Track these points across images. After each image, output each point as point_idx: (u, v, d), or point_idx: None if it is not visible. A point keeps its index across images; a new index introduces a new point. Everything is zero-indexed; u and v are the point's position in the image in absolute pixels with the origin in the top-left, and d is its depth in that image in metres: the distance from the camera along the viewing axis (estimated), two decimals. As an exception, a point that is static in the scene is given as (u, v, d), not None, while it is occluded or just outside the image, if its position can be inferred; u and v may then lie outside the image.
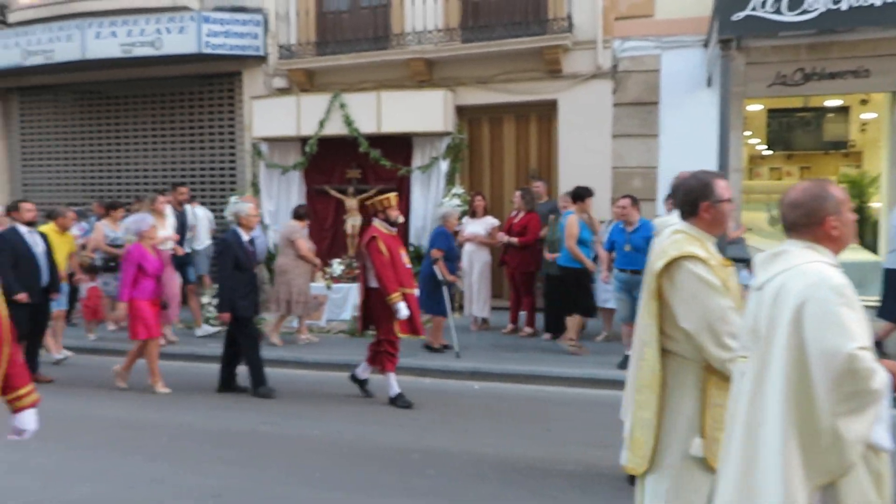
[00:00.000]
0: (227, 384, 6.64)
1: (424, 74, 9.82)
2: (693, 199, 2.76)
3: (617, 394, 6.27)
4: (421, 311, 6.48)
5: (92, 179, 12.41)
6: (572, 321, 7.54)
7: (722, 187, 2.76)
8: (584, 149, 9.25)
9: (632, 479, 3.06)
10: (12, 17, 11.79)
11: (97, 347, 8.48)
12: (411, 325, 6.05)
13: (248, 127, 10.81)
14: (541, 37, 9.14)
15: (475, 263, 8.62)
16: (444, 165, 9.78)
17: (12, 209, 7.11)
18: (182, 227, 8.91)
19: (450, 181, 9.78)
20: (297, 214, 8.54)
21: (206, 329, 8.84)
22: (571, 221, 7.39)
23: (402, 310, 5.90)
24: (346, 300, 9.02)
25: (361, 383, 6.36)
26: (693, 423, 2.60)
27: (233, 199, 10.47)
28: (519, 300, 8.65)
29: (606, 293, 7.74)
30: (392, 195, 6.37)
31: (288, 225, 8.56)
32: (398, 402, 6.05)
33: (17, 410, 2.75)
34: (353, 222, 9.83)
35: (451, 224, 7.94)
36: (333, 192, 10.16)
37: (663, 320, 2.68)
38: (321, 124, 9.96)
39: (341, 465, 4.74)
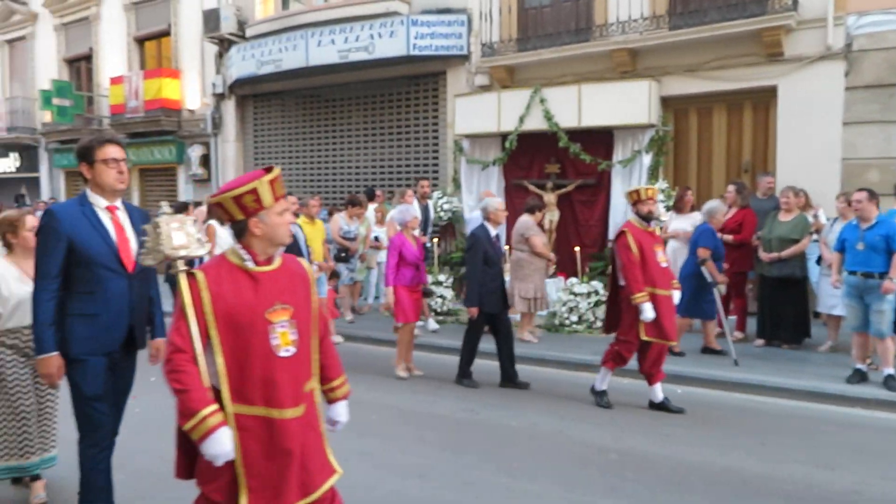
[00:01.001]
0: (509, 379, 6.59)
1: (628, 65, 9.50)
2: None
3: (844, 411, 5.69)
4: (679, 314, 6.08)
5: (312, 175, 13.62)
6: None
7: None
8: (808, 139, 8.42)
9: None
10: (249, 32, 13.27)
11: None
12: (657, 329, 5.59)
13: (451, 124, 11.19)
14: (760, 17, 8.44)
15: (679, 261, 8.12)
16: (646, 159, 9.40)
17: None
18: (425, 222, 9.49)
19: (653, 175, 9.38)
20: (530, 208, 8.01)
21: (431, 324, 8.82)
22: None
23: (647, 311, 5.49)
24: (541, 295, 8.95)
25: (662, 406, 5.79)
26: None
27: (435, 194, 10.91)
28: (728, 302, 8.05)
29: (833, 298, 6.98)
30: (644, 188, 5.85)
31: (521, 221, 8.08)
32: (598, 398, 5.89)
33: (332, 401, 2.74)
34: (550, 217, 9.76)
35: (717, 221, 7.23)
36: (531, 187, 10.17)
37: None
38: (521, 120, 10.03)
39: (538, 457, 4.73)
